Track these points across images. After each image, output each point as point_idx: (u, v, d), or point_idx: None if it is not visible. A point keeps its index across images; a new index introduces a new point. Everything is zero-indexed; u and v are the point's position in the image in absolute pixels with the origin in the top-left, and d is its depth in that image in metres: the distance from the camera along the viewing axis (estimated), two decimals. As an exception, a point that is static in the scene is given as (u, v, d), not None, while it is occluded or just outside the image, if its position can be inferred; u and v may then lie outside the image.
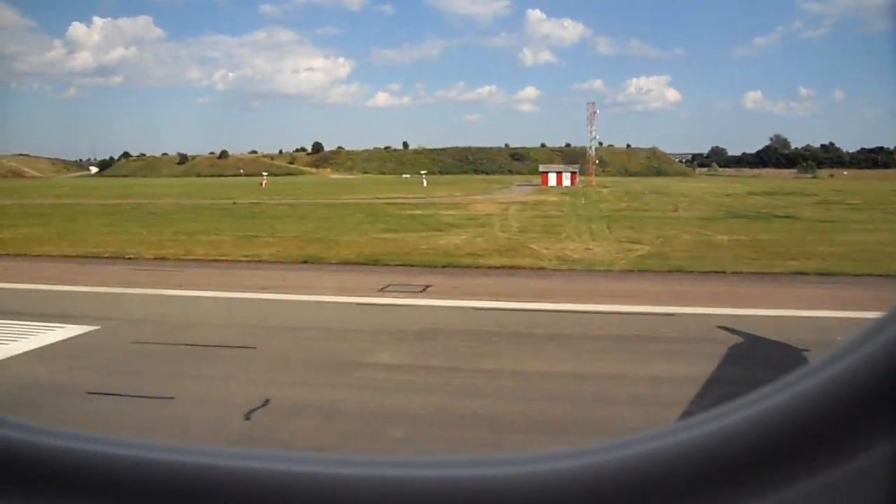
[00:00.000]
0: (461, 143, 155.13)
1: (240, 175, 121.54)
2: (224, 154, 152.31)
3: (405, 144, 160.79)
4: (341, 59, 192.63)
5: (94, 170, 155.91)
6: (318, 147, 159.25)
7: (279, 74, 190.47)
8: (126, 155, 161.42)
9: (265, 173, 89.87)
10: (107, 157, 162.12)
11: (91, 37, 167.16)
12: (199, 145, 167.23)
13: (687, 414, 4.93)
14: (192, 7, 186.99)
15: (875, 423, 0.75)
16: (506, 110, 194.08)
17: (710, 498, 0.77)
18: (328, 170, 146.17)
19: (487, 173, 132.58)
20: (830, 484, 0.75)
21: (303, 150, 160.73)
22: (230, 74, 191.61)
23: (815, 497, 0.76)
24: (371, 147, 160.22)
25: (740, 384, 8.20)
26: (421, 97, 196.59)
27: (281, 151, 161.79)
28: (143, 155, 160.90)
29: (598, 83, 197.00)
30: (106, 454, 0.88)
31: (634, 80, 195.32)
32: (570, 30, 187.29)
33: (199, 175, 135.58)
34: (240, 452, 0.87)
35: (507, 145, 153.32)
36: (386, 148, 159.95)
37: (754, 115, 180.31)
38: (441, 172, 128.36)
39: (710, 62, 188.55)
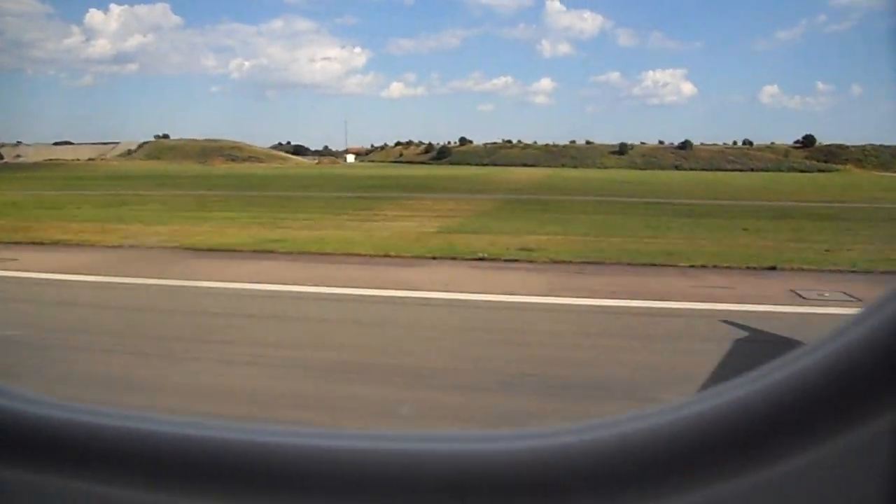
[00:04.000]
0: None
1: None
2: (687, 144, 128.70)
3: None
4: (357, 49, 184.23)
5: (350, 158, 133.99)
6: (810, 140, 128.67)
7: (295, 64, 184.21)
8: (463, 141, 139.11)
9: None
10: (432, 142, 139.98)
11: (108, 24, 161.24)
12: (215, 133, 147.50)
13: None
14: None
15: (876, 396, 0.76)
16: (519, 101, 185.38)
17: (714, 472, 0.79)
18: (848, 166, 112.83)
19: None
20: (832, 456, 0.77)
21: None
22: (246, 63, 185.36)
23: (817, 468, 0.78)
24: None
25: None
26: (435, 87, 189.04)
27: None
28: (508, 141, 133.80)
29: (615, 75, 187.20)
30: (94, 424, 0.87)
31: (651, 72, 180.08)
32: (589, 21, 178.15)
33: (677, 167, 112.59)
34: (240, 426, 0.87)
35: None
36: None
37: (769, 109, 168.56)
38: None
39: (728, 55, 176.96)
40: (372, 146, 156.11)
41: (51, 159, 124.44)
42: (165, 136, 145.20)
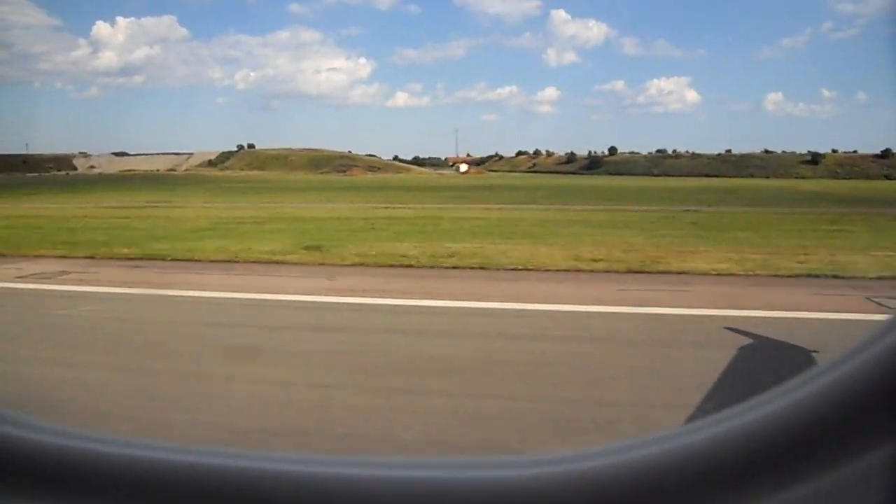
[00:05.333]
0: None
1: None
2: (888, 152, 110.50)
3: None
4: (362, 60, 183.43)
5: (463, 167, 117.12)
6: None
7: (301, 74, 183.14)
8: (613, 151, 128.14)
9: None
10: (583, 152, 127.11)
11: (115, 36, 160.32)
12: (217, 144, 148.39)
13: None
14: (218, 6, 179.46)
15: (877, 425, 0.75)
16: (524, 111, 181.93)
17: (714, 501, 0.78)
18: None
19: None
20: (832, 486, 0.76)
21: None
22: (252, 74, 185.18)
23: (817, 499, 0.76)
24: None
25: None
26: (440, 97, 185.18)
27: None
28: (661, 150, 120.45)
29: (619, 84, 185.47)
30: (100, 452, 0.87)
31: (655, 81, 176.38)
32: (594, 30, 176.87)
33: (888, 177, 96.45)
34: (242, 453, 0.87)
35: None
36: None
37: (773, 117, 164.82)
38: None
39: (732, 63, 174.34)
40: (468, 155, 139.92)
41: (129, 170, 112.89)
42: (251, 146, 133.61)
